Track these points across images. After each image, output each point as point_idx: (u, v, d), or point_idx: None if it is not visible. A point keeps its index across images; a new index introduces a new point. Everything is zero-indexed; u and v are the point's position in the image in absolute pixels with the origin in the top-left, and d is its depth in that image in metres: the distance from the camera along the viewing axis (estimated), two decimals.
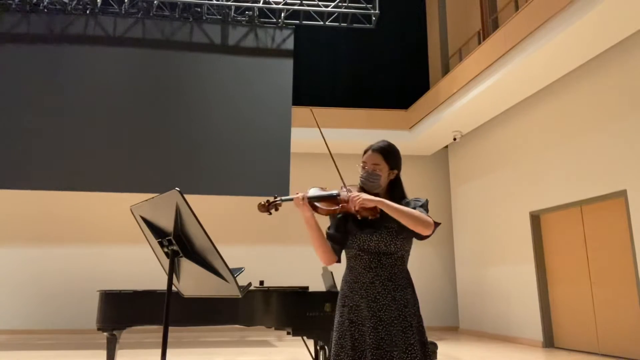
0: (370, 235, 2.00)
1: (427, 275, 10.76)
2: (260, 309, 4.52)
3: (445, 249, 11.07)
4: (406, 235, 2.00)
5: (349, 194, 1.96)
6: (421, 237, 1.98)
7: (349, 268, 2.08)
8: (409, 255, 2.06)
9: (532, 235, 8.17)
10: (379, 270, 1.98)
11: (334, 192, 2.09)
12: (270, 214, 2.11)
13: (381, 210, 1.97)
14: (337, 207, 2.03)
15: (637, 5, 5.70)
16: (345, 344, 1.97)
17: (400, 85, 12.04)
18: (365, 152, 2.13)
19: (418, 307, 2.01)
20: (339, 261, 2.11)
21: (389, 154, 2.09)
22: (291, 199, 2.06)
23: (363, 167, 2.09)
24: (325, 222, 2.09)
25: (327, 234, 2.12)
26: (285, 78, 8.72)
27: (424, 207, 2.03)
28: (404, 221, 1.88)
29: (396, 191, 2.11)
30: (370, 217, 2.00)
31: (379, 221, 2.00)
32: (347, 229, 2.07)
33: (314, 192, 2.09)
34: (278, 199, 2.10)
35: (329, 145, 2.36)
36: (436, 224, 1.94)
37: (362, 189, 2.10)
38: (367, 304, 1.97)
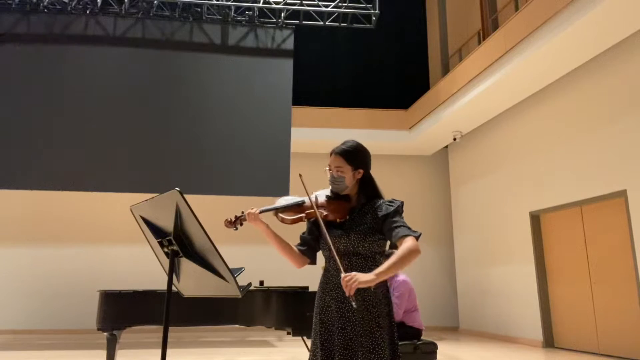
0: (339, 237, 2.04)
1: (427, 275, 10.76)
2: (260, 309, 4.52)
3: (445, 249, 11.07)
4: (375, 237, 2.02)
5: (345, 277, 1.84)
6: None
7: (324, 270, 2.13)
8: (381, 256, 2.07)
9: (532, 235, 8.17)
10: (349, 271, 1.99)
11: (299, 200, 2.12)
12: (237, 229, 2.14)
13: (350, 212, 2.06)
14: (301, 215, 2.07)
15: (637, 6, 5.70)
16: (317, 344, 2.02)
17: (400, 85, 12.04)
18: (330, 154, 2.15)
19: (390, 309, 2.02)
20: (312, 263, 2.18)
21: (350, 155, 2.10)
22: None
23: (329, 171, 2.13)
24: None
25: (300, 237, 2.19)
26: (285, 78, 8.72)
27: (399, 212, 2.02)
28: (403, 268, 1.90)
29: (367, 190, 2.11)
30: (338, 220, 2.05)
31: (348, 223, 2.06)
32: (319, 232, 2.12)
33: (279, 202, 2.14)
34: (243, 215, 2.12)
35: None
36: (418, 237, 1.95)
37: (333, 192, 2.14)
38: (336, 305, 2.01)
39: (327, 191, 2.17)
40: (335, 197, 2.13)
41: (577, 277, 7.30)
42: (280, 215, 2.11)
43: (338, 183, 2.10)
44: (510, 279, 8.71)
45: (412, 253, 1.86)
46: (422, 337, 4.82)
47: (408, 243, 1.88)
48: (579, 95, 7.27)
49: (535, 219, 8.24)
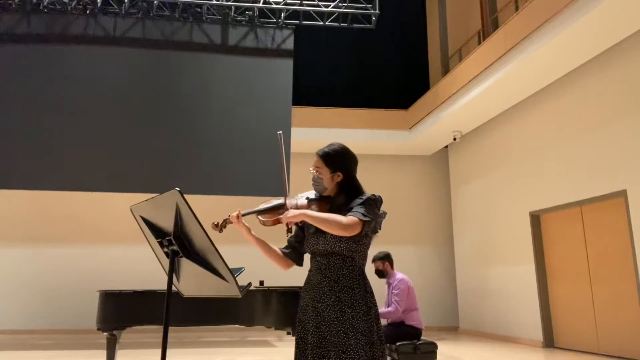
0: (317, 238, 2.06)
1: (427, 275, 10.76)
2: (261, 309, 4.52)
3: (445, 249, 11.07)
4: (350, 237, 2.01)
5: (293, 202, 2.01)
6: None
7: (309, 270, 2.15)
8: (361, 256, 2.07)
9: (532, 235, 8.17)
10: (327, 272, 2.03)
11: (279, 202, 2.16)
12: (221, 231, 2.18)
13: (328, 212, 2.07)
14: (280, 217, 2.10)
15: (637, 6, 5.70)
16: (295, 342, 2.07)
17: (400, 85, 12.04)
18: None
19: (369, 309, 2.00)
20: (299, 265, 2.24)
21: (328, 157, 2.13)
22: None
23: (312, 171, 2.18)
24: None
25: (288, 240, 2.25)
26: (285, 78, 8.72)
27: (365, 204, 2.01)
28: (324, 228, 1.93)
29: (348, 192, 2.12)
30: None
31: None
32: (304, 233, 2.17)
33: (261, 205, 2.19)
34: (229, 217, 2.17)
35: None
36: (365, 222, 1.95)
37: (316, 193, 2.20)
38: (312, 304, 2.03)
39: (312, 194, 2.20)
40: (316, 198, 2.16)
41: (577, 277, 7.30)
42: (260, 217, 2.16)
43: (316, 184, 2.16)
44: (510, 279, 8.71)
45: (338, 224, 1.90)
46: (422, 337, 4.82)
47: (346, 217, 1.93)
48: (579, 95, 7.27)
49: (535, 219, 8.24)
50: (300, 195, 2.20)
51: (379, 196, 2.10)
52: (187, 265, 2.00)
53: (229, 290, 1.94)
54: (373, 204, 2.04)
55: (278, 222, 2.11)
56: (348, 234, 1.92)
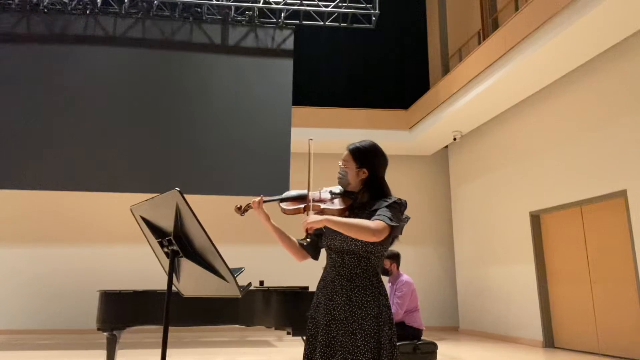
0: (335, 234, 2.04)
1: (427, 275, 10.76)
2: (260, 309, 4.52)
3: (445, 249, 11.07)
4: None
5: (317, 197, 1.99)
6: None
7: (324, 267, 2.15)
8: (377, 257, 2.03)
9: (532, 235, 8.17)
10: (341, 270, 2.01)
11: (302, 192, 2.16)
12: (243, 215, 2.24)
13: (350, 209, 2.09)
14: (300, 207, 2.10)
15: (637, 6, 5.70)
16: (305, 338, 2.07)
17: (400, 85, 12.04)
18: None
19: (380, 311, 1.96)
20: (314, 258, 2.23)
21: (358, 152, 2.12)
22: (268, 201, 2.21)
23: (339, 164, 2.18)
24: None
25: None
26: (285, 78, 8.72)
27: (390, 207, 1.98)
28: (350, 234, 1.88)
29: (373, 192, 2.10)
30: (337, 216, 2.05)
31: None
32: (322, 229, 2.13)
33: (285, 194, 2.20)
34: (250, 203, 2.21)
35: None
36: (393, 227, 1.91)
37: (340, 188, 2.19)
38: (325, 302, 2.02)
39: (336, 188, 2.19)
40: (339, 193, 2.14)
41: (577, 277, 7.30)
42: (282, 205, 2.15)
43: (341, 177, 2.14)
44: (510, 279, 8.71)
45: (366, 229, 1.84)
46: (422, 337, 4.83)
47: (373, 222, 1.88)
48: (578, 95, 7.27)
49: (535, 219, 8.24)
50: (325, 189, 2.18)
51: (405, 201, 2.06)
52: (187, 265, 2.00)
53: (229, 290, 1.94)
54: (398, 208, 2.00)
55: (299, 211, 2.11)
56: (376, 239, 1.87)
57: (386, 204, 2.00)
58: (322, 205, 2.08)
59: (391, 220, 1.91)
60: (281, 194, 2.23)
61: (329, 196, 2.14)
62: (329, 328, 1.97)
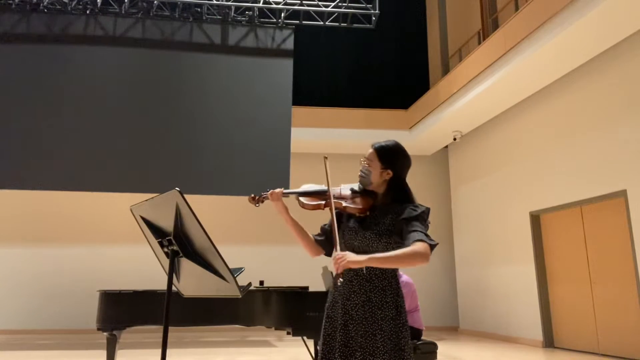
0: (355, 233, 2.02)
1: (427, 275, 10.76)
2: (260, 309, 4.52)
3: (445, 249, 11.07)
4: (390, 239, 1.97)
5: (338, 250, 1.87)
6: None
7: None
8: None
9: (532, 235, 8.17)
10: (360, 270, 1.97)
11: (322, 188, 2.13)
12: (258, 205, 2.21)
13: (371, 209, 2.03)
14: (321, 203, 2.07)
15: (637, 6, 5.70)
16: (322, 338, 2.02)
17: (400, 85, 12.04)
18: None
19: (399, 313, 1.95)
20: (328, 255, 2.16)
21: (384, 152, 2.07)
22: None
23: (362, 162, 2.13)
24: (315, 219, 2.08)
25: (321, 228, 2.21)
26: (285, 78, 8.72)
27: (420, 218, 1.95)
28: (402, 267, 1.85)
29: (395, 194, 2.06)
30: (357, 214, 2.04)
31: (367, 220, 2.04)
32: (339, 225, 2.10)
33: (303, 188, 2.16)
34: (266, 193, 2.18)
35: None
36: (433, 246, 1.88)
37: (358, 186, 2.13)
38: (342, 302, 2.00)
39: (356, 186, 2.15)
40: (360, 192, 2.11)
41: (577, 277, 7.30)
42: (301, 199, 2.11)
43: (364, 176, 2.08)
44: (510, 279, 8.71)
45: (417, 255, 1.80)
46: (422, 337, 4.82)
47: (417, 245, 1.82)
48: (578, 95, 7.27)
49: (535, 219, 8.24)
50: (344, 185, 2.14)
51: (429, 208, 2.03)
52: (187, 265, 2.00)
53: (229, 290, 1.94)
54: (426, 218, 1.97)
55: (319, 207, 2.07)
56: (427, 262, 1.84)
57: (415, 213, 1.95)
58: (344, 203, 2.05)
59: (429, 238, 1.88)
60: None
61: (349, 193, 2.10)
62: (346, 328, 1.95)
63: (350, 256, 1.77)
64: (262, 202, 2.17)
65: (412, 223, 1.92)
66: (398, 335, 1.92)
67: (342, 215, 2.13)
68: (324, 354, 1.98)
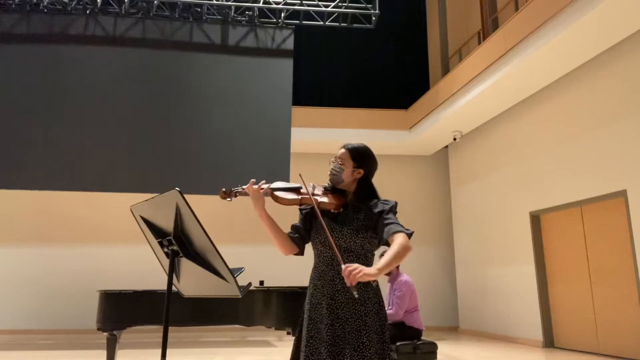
0: (331, 231, 2.05)
1: (427, 275, 10.76)
2: (260, 309, 4.52)
3: (445, 249, 11.07)
4: (367, 234, 2.05)
5: (346, 267, 1.82)
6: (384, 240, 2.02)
7: (314, 265, 2.14)
8: (372, 254, 2.11)
9: (532, 235, 8.17)
10: (340, 268, 1.98)
11: (297, 185, 2.18)
12: (230, 200, 2.20)
13: (345, 206, 2.12)
14: (298, 198, 2.10)
15: (637, 6, 5.70)
16: (304, 340, 2.03)
17: (400, 85, 12.03)
18: (341, 148, 2.25)
19: (380, 308, 2.03)
20: (300, 254, 2.22)
21: (356, 152, 2.18)
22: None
23: (332, 161, 2.21)
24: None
25: (292, 226, 2.24)
26: (285, 78, 8.72)
27: (393, 211, 2.06)
28: (399, 263, 1.93)
29: (364, 191, 2.16)
30: (332, 210, 2.10)
31: (341, 217, 2.10)
32: (311, 224, 2.17)
33: (276, 184, 2.19)
34: (239, 188, 2.18)
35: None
36: (410, 235, 1.98)
37: (330, 185, 2.20)
38: (326, 302, 2.02)
39: (326, 185, 2.24)
40: (331, 190, 2.19)
41: (577, 277, 7.30)
42: (277, 194, 2.12)
43: (335, 174, 2.17)
44: (510, 279, 8.71)
45: (405, 249, 1.90)
46: (422, 337, 4.82)
47: (400, 239, 1.91)
48: (578, 95, 7.27)
49: (535, 219, 8.24)
50: (312, 184, 2.20)
51: (397, 202, 2.15)
52: (187, 265, 2.00)
53: (229, 290, 1.94)
54: (396, 211, 2.09)
55: (295, 202, 2.11)
56: (411, 250, 1.94)
57: (387, 206, 2.07)
58: (319, 199, 2.10)
59: (403, 227, 1.99)
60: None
61: (322, 191, 2.18)
62: (333, 327, 1.98)
63: (366, 270, 1.78)
64: (235, 196, 2.17)
65: (386, 216, 2.03)
66: (382, 329, 2.00)
67: (313, 215, 2.17)
68: (308, 356, 1.99)
